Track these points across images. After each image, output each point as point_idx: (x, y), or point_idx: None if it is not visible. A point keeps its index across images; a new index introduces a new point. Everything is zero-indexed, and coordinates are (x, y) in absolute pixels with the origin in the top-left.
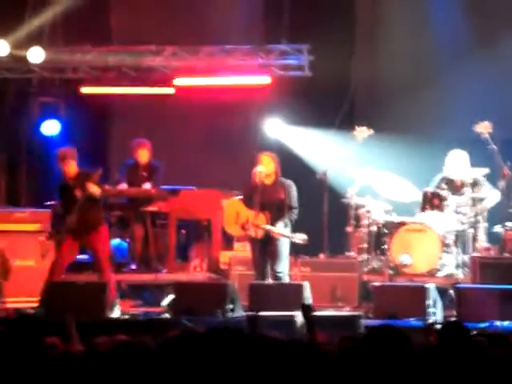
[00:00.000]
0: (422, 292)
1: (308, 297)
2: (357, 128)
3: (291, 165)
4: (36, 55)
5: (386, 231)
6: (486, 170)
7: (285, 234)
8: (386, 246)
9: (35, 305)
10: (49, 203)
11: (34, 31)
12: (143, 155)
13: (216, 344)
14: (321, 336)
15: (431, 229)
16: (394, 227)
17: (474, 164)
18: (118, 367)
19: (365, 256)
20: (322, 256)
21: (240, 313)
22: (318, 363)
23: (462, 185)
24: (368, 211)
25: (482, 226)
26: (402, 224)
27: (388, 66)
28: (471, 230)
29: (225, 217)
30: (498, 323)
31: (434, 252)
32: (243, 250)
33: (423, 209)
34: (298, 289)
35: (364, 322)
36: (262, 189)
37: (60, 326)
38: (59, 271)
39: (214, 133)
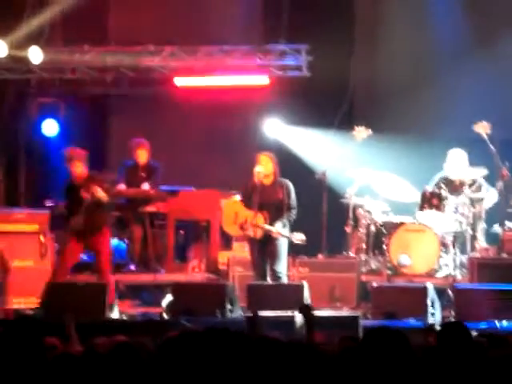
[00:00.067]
0: (420, 292)
1: (307, 297)
2: (356, 128)
3: (290, 165)
4: (35, 56)
5: (384, 231)
6: (485, 171)
7: (283, 233)
8: (384, 247)
9: (34, 305)
10: (48, 204)
11: (33, 32)
12: (142, 156)
13: (215, 344)
14: (319, 336)
15: (430, 229)
16: (392, 227)
17: (472, 164)
18: (116, 368)
19: (363, 256)
20: (320, 256)
21: (239, 313)
22: (317, 363)
23: (461, 185)
24: (367, 211)
25: (481, 226)
26: (400, 224)
27: (387, 66)
28: (470, 231)
29: (223, 217)
30: (496, 323)
31: (432, 252)
32: (242, 251)
33: (422, 208)
34: (297, 289)
35: (362, 322)
36: (261, 189)
37: (59, 327)
38: (63, 272)
39: (213, 133)
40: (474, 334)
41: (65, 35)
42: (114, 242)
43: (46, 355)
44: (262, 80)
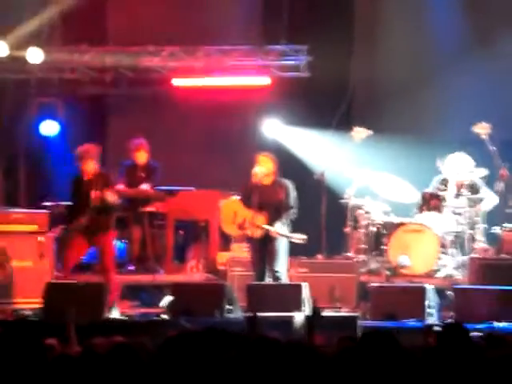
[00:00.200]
0: (420, 293)
1: (308, 298)
2: (355, 129)
3: (289, 165)
4: (35, 56)
5: (384, 232)
6: (485, 171)
7: (283, 233)
8: (384, 247)
9: (33, 306)
10: (47, 204)
11: (33, 32)
12: (141, 156)
13: (214, 345)
14: (318, 339)
15: (430, 230)
16: (392, 228)
17: (472, 164)
18: (115, 368)
19: (363, 257)
20: (320, 257)
21: (238, 313)
22: (315, 364)
23: (461, 186)
24: (366, 212)
25: (480, 226)
26: (400, 225)
27: (386, 67)
28: (469, 231)
29: (222, 216)
30: (496, 324)
31: (432, 253)
32: (241, 251)
33: (421, 209)
34: (297, 289)
35: (362, 322)
36: (261, 189)
37: (58, 328)
38: (66, 269)
39: (213, 133)
40: (474, 334)
41: (64, 35)
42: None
43: (46, 356)
44: (262, 80)
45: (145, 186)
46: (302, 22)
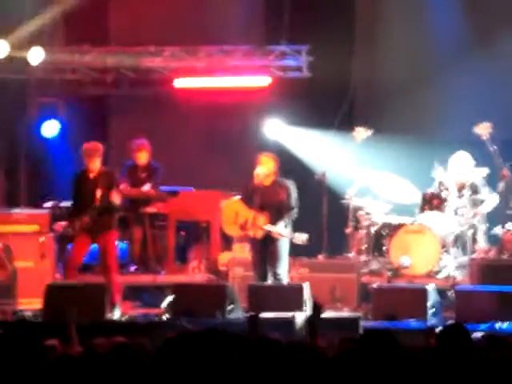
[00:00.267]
0: (421, 293)
1: (309, 298)
2: (356, 129)
3: (290, 166)
4: (35, 56)
5: (385, 232)
6: (486, 171)
7: (285, 234)
8: (385, 248)
9: (34, 306)
10: (48, 204)
11: (34, 32)
12: (142, 157)
13: (214, 345)
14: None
15: (430, 230)
16: (393, 228)
17: (474, 164)
18: (115, 369)
19: (364, 257)
20: (320, 257)
21: (239, 314)
22: (316, 365)
23: (462, 186)
24: (367, 212)
25: (482, 227)
26: (401, 225)
27: (387, 67)
28: (470, 232)
29: (223, 217)
30: (497, 325)
31: (433, 253)
32: (242, 252)
33: (422, 210)
34: (298, 290)
35: (363, 323)
36: (262, 189)
37: (59, 328)
38: (73, 269)
39: (214, 134)
40: (475, 335)
41: (65, 36)
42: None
43: (46, 357)
44: (263, 81)
45: (146, 187)
46: (302, 22)
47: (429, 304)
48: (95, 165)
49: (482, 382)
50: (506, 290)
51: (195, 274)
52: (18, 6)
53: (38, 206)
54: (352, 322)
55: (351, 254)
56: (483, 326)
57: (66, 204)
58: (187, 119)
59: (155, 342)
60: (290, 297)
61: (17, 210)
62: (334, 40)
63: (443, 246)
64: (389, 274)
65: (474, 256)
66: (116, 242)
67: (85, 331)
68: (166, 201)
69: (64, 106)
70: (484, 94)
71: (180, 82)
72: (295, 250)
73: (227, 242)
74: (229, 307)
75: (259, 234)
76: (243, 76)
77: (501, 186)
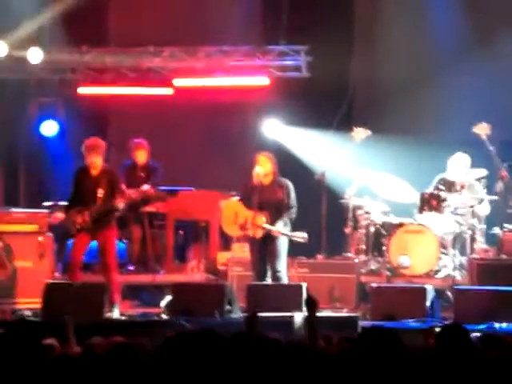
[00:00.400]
0: (420, 293)
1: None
2: (355, 129)
3: (289, 166)
4: (35, 56)
5: (384, 232)
6: (484, 172)
7: (285, 232)
8: (384, 248)
9: (33, 306)
10: (47, 204)
11: (34, 32)
12: (141, 156)
13: (213, 345)
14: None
15: (429, 230)
16: (392, 228)
17: (472, 165)
18: (114, 369)
19: (363, 257)
20: (319, 257)
21: (238, 314)
22: (315, 365)
23: (461, 187)
24: (366, 212)
25: (480, 227)
26: (400, 225)
27: (386, 67)
28: (469, 232)
29: (223, 217)
30: (495, 325)
31: (432, 253)
32: (241, 251)
33: (421, 210)
34: (297, 290)
35: (362, 323)
36: (261, 189)
37: (57, 328)
38: (76, 270)
39: (213, 134)
40: (473, 335)
41: (65, 36)
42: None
43: (46, 356)
44: (262, 81)
45: (145, 186)
46: (301, 22)
47: (428, 304)
48: (97, 162)
49: (480, 382)
50: (505, 290)
51: (194, 273)
52: (18, 6)
53: (37, 205)
54: (351, 322)
55: (350, 254)
56: (482, 326)
57: (65, 203)
58: (186, 119)
59: (155, 342)
60: (289, 296)
61: (16, 210)
62: (332, 40)
63: (442, 246)
64: (388, 273)
65: (472, 256)
66: (115, 241)
67: (83, 331)
68: (165, 200)
69: (63, 106)
70: (484, 94)
71: (179, 82)
72: (294, 250)
73: (226, 241)
74: (227, 307)
75: (259, 234)
76: (242, 76)
77: (499, 186)
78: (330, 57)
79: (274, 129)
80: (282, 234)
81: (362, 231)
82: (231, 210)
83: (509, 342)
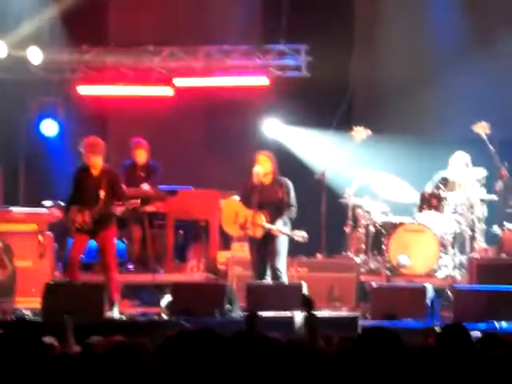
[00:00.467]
0: (419, 293)
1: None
2: (355, 128)
3: (289, 165)
4: (35, 56)
5: (383, 232)
6: (484, 171)
7: (285, 231)
8: (383, 247)
9: (33, 305)
10: (47, 204)
11: (33, 32)
12: (141, 155)
13: (213, 344)
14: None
15: (429, 229)
16: (391, 228)
17: (472, 164)
18: (114, 368)
19: (362, 256)
20: (319, 256)
21: (238, 313)
22: (315, 364)
23: (460, 185)
24: (366, 211)
25: (480, 226)
26: (399, 224)
27: (386, 67)
28: (469, 231)
29: (223, 217)
30: (495, 324)
31: (431, 253)
32: (241, 251)
33: (421, 209)
34: (296, 289)
35: (361, 322)
36: (260, 188)
37: (57, 327)
38: (76, 269)
39: (213, 133)
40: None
41: (65, 35)
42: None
43: (46, 356)
44: (262, 80)
45: (145, 186)
46: (301, 21)
47: (427, 303)
48: (97, 161)
49: (480, 381)
50: (505, 289)
51: (194, 272)
52: (17, 6)
53: (37, 205)
54: (350, 322)
55: (350, 254)
56: (481, 326)
57: (65, 203)
58: (186, 119)
59: (155, 341)
60: (289, 296)
61: (16, 209)
62: (332, 40)
63: (442, 245)
64: (387, 273)
65: (472, 255)
66: (115, 240)
67: (83, 330)
68: (165, 200)
69: (63, 106)
70: (484, 94)
71: (178, 82)
72: (294, 249)
73: (226, 240)
74: (227, 306)
75: (259, 233)
76: (242, 76)
77: (499, 185)
78: (329, 56)
79: (274, 128)
80: (282, 233)
81: (362, 230)
82: (231, 210)
83: (508, 341)
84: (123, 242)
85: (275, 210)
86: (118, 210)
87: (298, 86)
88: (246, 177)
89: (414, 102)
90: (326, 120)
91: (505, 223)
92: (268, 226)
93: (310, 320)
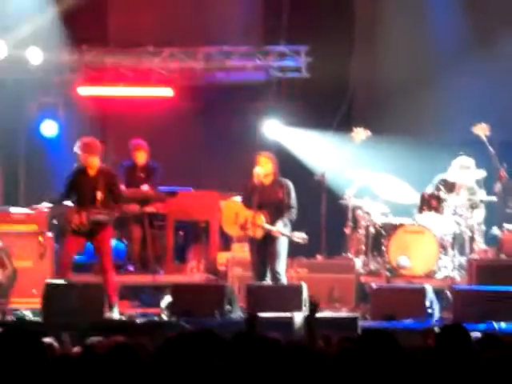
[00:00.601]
0: (420, 294)
1: (307, 298)
2: (355, 129)
3: (289, 166)
4: (34, 56)
5: (383, 233)
6: (484, 173)
7: (285, 233)
8: (383, 248)
9: (33, 306)
10: (47, 204)
11: (34, 32)
12: (141, 156)
13: (213, 346)
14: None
15: (429, 231)
16: (391, 229)
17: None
18: (115, 369)
19: (362, 257)
20: (319, 257)
21: (238, 314)
22: (315, 365)
23: (460, 187)
24: (366, 213)
25: (480, 227)
26: (399, 226)
27: (387, 67)
28: (469, 232)
29: (223, 217)
30: (494, 325)
31: (431, 254)
32: (241, 251)
33: (421, 210)
34: (296, 290)
35: (361, 323)
36: (261, 189)
37: (57, 328)
38: (67, 269)
39: (212, 134)
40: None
41: (65, 36)
42: (113, 242)
43: (46, 357)
44: (261, 81)
45: (145, 187)
46: (301, 22)
47: (427, 304)
48: (94, 162)
49: (479, 382)
50: (504, 290)
51: (194, 273)
52: (17, 6)
53: (37, 205)
54: (350, 322)
55: (350, 255)
56: (481, 326)
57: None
58: (186, 119)
59: (156, 342)
60: (289, 297)
61: (16, 210)
62: (333, 40)
63: (442, 247)
64: (387, 274)
65: (472, 256)
66: (111, 240)
67: (83, 331)
68: (165, 201)
69: (63, 106)
70: (483, 95)
71: (178, 82)
72: (294, 251)
73: (226, 241)
74: (227, 307)
75: (259, 234)
76: (242, 76)
77: (498, 186)
78: (330, 57)
79: (274, 129)
80: (282, 234)
81: (362, 231)
82: (231, 210)
83: (508, 342)
84: (123, 243)
85: (275, 210)
86: (116, 215)
87: (298, 87)
88: (247, 178)
89: (414, 103)
90: (326, 121)
91: (504, 224)
92: (268, 226)
93: (310, 321)
